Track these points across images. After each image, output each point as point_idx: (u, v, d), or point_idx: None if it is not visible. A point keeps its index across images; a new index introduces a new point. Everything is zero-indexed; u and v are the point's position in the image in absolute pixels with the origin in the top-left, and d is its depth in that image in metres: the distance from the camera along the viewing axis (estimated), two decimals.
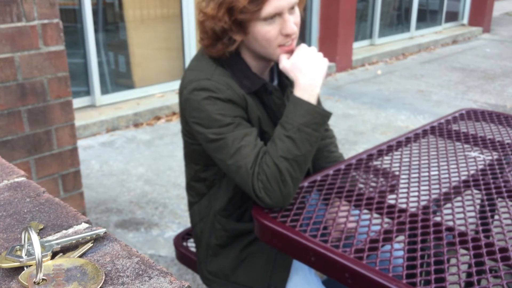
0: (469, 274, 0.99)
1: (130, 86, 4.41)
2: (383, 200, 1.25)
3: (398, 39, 6.94)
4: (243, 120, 1.26)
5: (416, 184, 1.34)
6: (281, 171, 1.20)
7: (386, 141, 1.64)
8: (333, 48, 5.64)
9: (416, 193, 1.29)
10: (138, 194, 2.92)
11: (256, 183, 1.20)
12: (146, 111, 4.12)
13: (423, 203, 1.25)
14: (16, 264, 0.55)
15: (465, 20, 8.19)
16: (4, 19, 1.78)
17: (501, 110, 4.48)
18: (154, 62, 4.56)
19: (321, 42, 5.77)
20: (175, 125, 4.02)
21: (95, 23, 4.03)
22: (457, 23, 8.16)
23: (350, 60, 5.86)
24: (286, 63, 1.26)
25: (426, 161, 1.48)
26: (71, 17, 3.99)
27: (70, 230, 0.62)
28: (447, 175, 1.39)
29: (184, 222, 2.61)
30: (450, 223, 1.15)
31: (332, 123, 3.86)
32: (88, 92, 4.14)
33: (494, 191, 1.30)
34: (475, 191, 1.31)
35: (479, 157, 1.52)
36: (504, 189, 1.30)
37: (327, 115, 1.25)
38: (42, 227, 0.63)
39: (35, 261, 0.51)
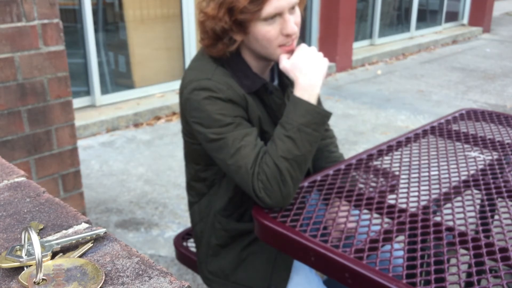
0: (469, 274, 0.99)
1: (130, 86, 4.41)
2: (383, 200, 1.25)
3: (398, 39, 6.94)
4: (243, 120, 1.26)
5: (416, 184, 1.34)
6: (281, 171, 1.20)
7: (386, 141, 1.64)
8: (333, 48, 5.64)
9: (416, 193, 1.29)
10: (138, 194, 2.92)
11: (256, 183, 1.20)
12: (146, 111, 4.12)
13: (423, 203, 1.25)
14: (16, 264, 0.55)
15: (465, 20, 8.19)
16: (4, 19, 1.78)
17: (501, 110, 4.48)
18: (154, 62, 4.56)
19: (321, 42, 5.77)
20: (175, 125, 4.02)
21: (95, 23, 4.03)
22: (457, 23, 8.16)
23: (350, 60, 5.86)
24: (286, 63, 1.26)
25: (426, 161, 1.48)
26: (71, 17, 3.99)
27: (70, 230, 0.62)
28: (447, 175, 1.39)
29: (184, 222, 2.61)
30: (450, 223, 1.15)
31: (332, 123, 3.86)
32: (88, 92, 4.14)
33: (494, 191, 1.30)
34: (475, 191, 1.31)
35: (479, 157, 1.52)
36: (504, 189, 1.30)
37: (327, 115, 1.25)
38: (42, 227, 0.63)
39: (35, 261, 0.51)
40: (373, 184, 1.38)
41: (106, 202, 2.82)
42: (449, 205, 1.24)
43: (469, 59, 6.39)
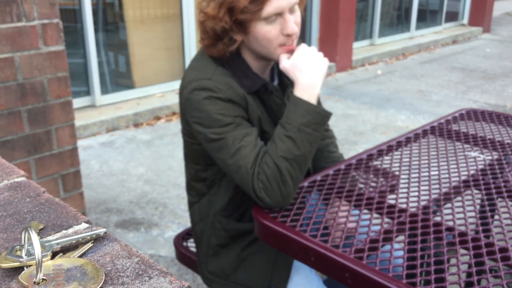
0: (469, 274, 0.99)
1: (130, 86, 4.41)
2: (383, 200, 1.25)
3: (398, 39, 6.94)
4: (243, 120, 1.26)
5: (416, 184, 1.34)
6: (281, 171, 1.20)
7: (386, 141, 1.64)
8: (333, 48, 5.64)
9: (416, 193, 1.29)
10: (138, 194, 2.92)
11: (256, 183, 1.20)
12: (146, 111, 4.12)
13: (423, 203, 1.25)
14: (16, 264, 0.55)
15: (465, 20, 8.19)
16: (4, 19, 1.78)
17: (501, 110, 4.48)
18: (154, 62, 4.56)
19: (321, 42, 5.77)
20: (175, 125, 4.02)
21: (95, 23, 4.03)
22: (457, 23, 8.16)
23: (350, 60, 5.86)
24: (286, 63, 1.26)
25: (426, 161, 1.48)
26: (71, 17, 3.99)
27: (70, 230, 0.62)
28: (447, 175, 1.39)
29: (184, 222, 2.61)
30: (450, 223, 1.15)
31: (332, 123, 3.86)
32: (88, 92, 4.14)
33: (494, 191, 1.30)
34: (475, 191, 1.31)
35: (479, 157, 1.52)
36: (504, 189, 1.30)
37: (327, 115, 1.25)
38: (42, 227, 0.63)
39: (35, 261, 0.51)
40: (373, 184, 1.38)
41: (106, 202, 2.82)
42: (449, 205, 1.24)
43: (469, 59, 6.39)
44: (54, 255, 0.57)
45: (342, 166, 1.46)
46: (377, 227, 1.16)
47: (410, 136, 1.68)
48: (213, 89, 1.23)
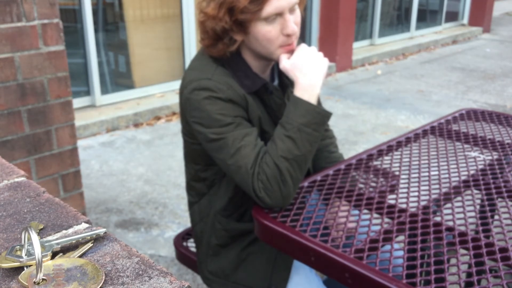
0: (469, 274, 0.99)
1: (130, 86, 4.41)
2: (383, 200, 1.25)
3: (398, 39, 6.94)
4: (243, 120, 1.26)
5: (416, 184, 1.34)
6: (281, 171, 1.20)
7: (386, 141, 1.64)
8: (333, 48, 5.64)
9: (416, 193, 1.29)
10: (138, 194, 2.92)
11: (256, 183, 1.20)
12: (146, 111, 4.12)
13: (423, 203, 1.25)
14: (16, 264, 0.55)
15: (465, 20, 8.19)
16: (4, 19, 1.78)
17: (501, 110, 4.48)
18: (154, 62, 4.56)
19: (321, 42, 5.77)
20: (175, 125, 4.02)
21: (95, 23, 4.03)
22: (457, 23, 8.16)
23: (350, 60, 5.86)
24: (286, 63, 1.26)
25: (426, 161, 1.48)
26: (71, 17, 3.99)
27: (70, 230, 0.62)
28: (447, 175, 1.39)
29: (184, 222, 2.61)
30: (450, 223, 1.15)
31: (332, 123, 3.86)
32: (88, 92, 4.14)
33: (494, 191, 1.30)
34: (475, 191, 1.31)
35: (479, 157, 1.52)
36: (504, 189, 1.30)
37: (327, 115, 1.25)
38: (42, 227, 0.63)
39: (35, 261, 0.51)
40: (373, 184, 1.38)
41: (106, 202, 2.82)
42: (449, 205, 1.24)
43: (469, 59, 6.39)
44: (54, 255, 0.57)
45: (342, 166, 1.46)
46: (377, 227, 1.16)
47: (410, 136, 1.68)
48: (213, 89, 1.23)
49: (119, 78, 4.39)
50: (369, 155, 1.54)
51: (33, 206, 0.68)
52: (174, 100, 4.33)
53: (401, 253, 1.26)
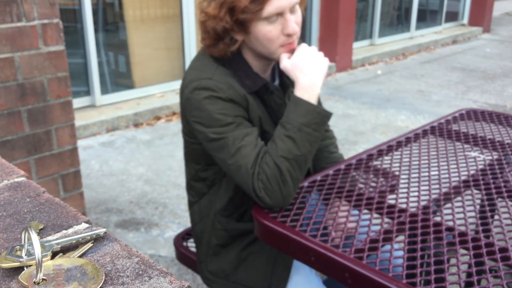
0: (469, 274, 0.99)
1: (130, 86, 4.41)
2: (383, 200, 1.25)
3: (398, 39, 6.94)
4: (244, 120, 1.26)
5: (416, 184, 1.34)
6: (282, 171, 1.20)
7: (386, 141, 1.64)
8: (333, 48, 5.64)
9: (416, 193, 1.29)
10: (138, 194, 2.92)
11: (256, 183, 1.20)
12: (146, 111, 4.12)
13: (423, 203, 1.25)
14: (16, 264, 0.54)
15: (465, 20, 8.19)
16: (4, 19, 1.78)
17: (501, 110, 4.48)
18: (154, 62, 4.56)
19: (321, 42, 5.77)
20: (175, 125, 4.02)
21: (95, 23, 4.03)
22: (457, 23, 8.16)
23: (350, 60, 5.86)
24: (286, 63, 1.26)
25: (426, 161, 1.48)
26: (71, 17, 3.99)
27: (70, 230, 0.62)
28: (447, 175, 1.39)
29: (184, 222, 2.61)
30: (450, 223, 1.15)
31: (332, 123, 3.86)
32: (88, 92, 4.14)
33: (494, 191, 1.30)
34: (475, 191, 1.31)
35: (479, 157, 1.52)
36: (504, 189, 1.30)
37: (327, 115, 1.25)
38: (42, 227, 0.63)
39: (35, 261, 0.51)
40: (373, 184, 1.38)
41: (106, 202, 2.82)
42: (449, 205, 1.24)
43: (469, 59, 6.39)
44: (54, 255, 0.57)
45: (342, 166, 1.46)
46: (377, 227, 1.16)
47: (410, 136, 1.68)
48: (214, 88, 1.23)
49: (119, 78, 4.39)
50: (369, 155, 1.54)
51: (33, 206, 0.68)
52: (174, 100, 4.33)
53: (401, 253, 1.26)
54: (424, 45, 6.93)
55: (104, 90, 4.22)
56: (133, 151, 3.54)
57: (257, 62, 1.31)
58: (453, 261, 1.04)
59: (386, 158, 1.52)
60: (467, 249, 1.06)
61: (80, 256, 0.57)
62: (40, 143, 1.99)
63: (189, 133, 1.37)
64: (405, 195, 1.29)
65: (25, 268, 0.54)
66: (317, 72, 1.26)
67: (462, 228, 1.13)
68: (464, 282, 0.95)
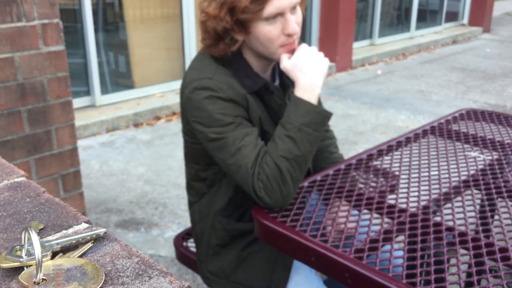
0: (469, 274, 0.99)
1: (130, 86, 4.41)
2: (383, 200, 1.25)
3: (398, 39, 6.94)
4: (244, 120, 1.26)
5: (416, 184, 1.34)
6: (282, 171, 1.20)
7: (386, 141, 1.64)
8: (333, 48, 5.64)
9: (416, 193, 1.29)
10: (138, 194, 2.92)
11: (256, 182, 1.20)
12: (146, 111, 4.12)
13: (423, 203, 1.25)
14: (16, 264, 0.54)
15: (465, 20, 8.19)
16: (4, 19, 1.78)
17: (501, 110, 4.48)
18: (154, 62, 4.56)
19: (321, 42, 5.77)
20: (175, 125, 4.02)
21: (95, 23, 4.03)
22: (457, 23, 8.16)
23: (350, 60, 5.86)
24: (286, 63, 1.26)
25: (426, 161, 1.48)
26: (71, 17, 3.99)
27: (70, 230, 0.62)
28: (447, 175, 1.39)
29: (184, 222, 2.61)
30: (450, 223, 1.15)
31: (332, 123, 3.86)
32: (88, 92, 4.14)
33: (494, 191, 1.30)
34: (475, 191, 1.31)
35: (479, 157, 1.52)
36: (504, 189, 1.30)
37: (327, 115, 1.25)
38: (42, 227, 0.63)
39: (35, 261, 0.51)
40: (373, 184, 1.38)
41: (106, 202, 2.82)
42: (449, 205, 1.24)
43: (469, 59, 6.39)
44: (54, 255, 0.57)
45: (342, 166, 1.46)
46: (377, 227, 1.16)
47: (410, 136, 1.68)
48: (214, 88, 1.23)
49: (119, 78, 4.39)
50: (369, 155, 1.54)
51: (33, 206, 0.68)
52: (174, 100, 4.33)
53: (401, 253, 1.26)
54: (424, 45, 6.93)
55: (104, 90, 4.22)
56: (133, 151, 3.54)
57: (257, 62, 1.31)
58: (453, 261, 1.04)
59: (386, 158, 1.52)
60: (467, 249, 1.06)
61: (80, 256, 0.57)
62: (40, 143, 1.99)
63: (189, 133, 1.37)
64: (405, 195, 1.29)
65: (25, 268, 0.54)
66: (317, 72, 1.26)
67: (462, 228, 1.13)
68: (464, 282, 0.95)
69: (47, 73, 1.94)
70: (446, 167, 1.44)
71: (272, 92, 1.33)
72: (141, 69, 4.47)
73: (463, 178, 1.38)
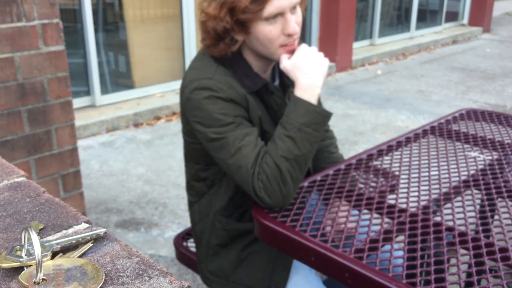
0: (469, 274, 0.99)
1: (130, 86, 4.41)
2: (383, 200, 1.25)
3: (398, 39, 6.94)
4: (244, 120, 1.26)
5: (416, 184, 1.34)
6: (282, 171, 1.20)
7: (386, 141, 1.64)
8: (333, 48, 5.64)
9: (416, 193, 1.29)
10: (138, 194, 2.92)
11: (256, 182, 1.20)
12: (146, 111, 4.12)
13: (423, 203, 1.25)
14: (16, 264, 0.54)
15: (465, 20, 8.19)
16: (4, 19, 1.78)
17: (501, 110, 4.48)
18: (154, 62, 4.56)
19: (321, 42, 5.77)
20: (175, 125, 4.02)
21: (95, 23, 4.03)
22: (457, 23, 8.16)
23: (350, 60, 5.86)
24: (286, 63, 1.26)
25: (426, 161, 1.48)
26: (71, 17, 3.99)
27: (70, 230, 0.62)
28: (447, 175, 1.39)
29: (184, 222, 2.61)
30: (450, 223, 1.15)
31: (332, 123, 3.86)
32: (88, 92, 4.14)
33: (494, 191, 1.30)
34: (475, 191, 1.31)
35: (479, 157, 1.52)
36: (504, 189, 1.30)
37: (327, 115, 1.25)
38: (42, 227, 0.63)
39: (35, 261, 0.51)
40: (373, 184, 1.38)
41: (106, 202, 2.82)
42: (449, 205, 1.24)
43: (469, 59, 6.39)
44: (54, 255, 0.57)
45: (342, 166, 1.46)
46: (377, 227, 1.16)
47: (410, 136, 1.68)
48: (214, 88, 1.23)
49: (119, 78, 4.39)
50: (369, 155, 1.54)
51: (33, 206, 0.68)
52: (174, 100, 4.33)
53: (401, 253, 1.26)
54: (424, 45, 6.93)
55: (104, 90, 4.22)
56: (133, 151, 3.54)
57: (257, 62, 1.32)
58: (453, 261, 1.04)
59: (386, 158, 1.52)
60: (467, 249, 1.06)
61: (80, 256, 0.57)
62: (40, 143, 1.99)
63: (189, 133, 1.37)
64: (405, 195, 1.29)
65: (25, 268, 0.54)
66: (317, 72, 1.26)
67: (462, 228, 1.13)
68: (464, 282, 0.95)
69: (47, 73, 1.94)
70: (446, 167, 1.44)
71: (272, 92, 1.33)
72: (141, 69, 4.47)
73: (463, 178, 1.38)
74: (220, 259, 1.43)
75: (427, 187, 1.32)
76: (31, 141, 1.97)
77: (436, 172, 1.40)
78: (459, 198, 1.27)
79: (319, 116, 1.23)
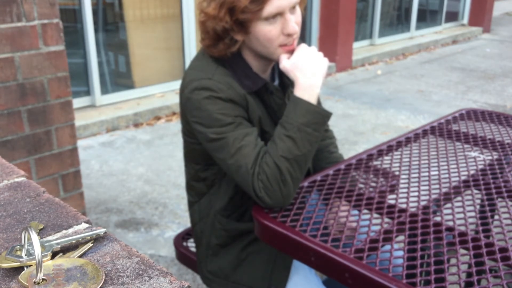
0: (469, 274, 0.99)
1: (130, 86, 4.41)
2: (383, 200, 1.25)
3: (398, 39, 6.94)
4: (244, 120, 1.26)
5: (416, 184, 1.34)
6: (282, 171, 1.20)
7: (386, 141, 1.64)
8: (333, 48, 5.64)
9: (416, 193, 1.29)
10: (138, 194, 2.92)
11: (256, 182, 1.20)
12: (146, 111, 4.12)
13: (423, 203, 1.25)
14: (16, 264, 0.55)
15: (465, 20, 8.19)
16: (4, 19, 1.78)
17: (501, 110, 4.48)
18: (154, 62, 4.56)
19: (321, 42, 5.77)
20: (175, 125, 4.02)
21: (95, 23, 4.03)
22: (457, 23, 8.16)
23: (350, 60, 5.86)
24: (286, 63, 1.26)
25: (426, 161, 1.48)
26: (71, 17, 3.99)
27: (70, 230, 0.62)
28: (447, 175, 1.39)
29: (184, 222, 2.61)
30: (450, 223, 1.15)
31: (332, 123, 3.86)
32: (88, 92, 4.14)
33: (494, 191, 1.30)
34: (475, 191, 1.31)
35: (479, 157, 1.52)
36: (504, 189, 1.30)
37: (327, 115, 1.25)
38: (42, 227, 0.63)
39: (35, 261, 0.51)
40: (373, 184, 1.38)
41: (106, 202, 2.82)
42: (449, 205, 1.24)
43: (469, 59, 6.39)
44: (54, 255, 0.57)
45: (342, 166, 1.46)
46: (377, 227, 1.16)
47: (410, 136, 1.68)
48: (214, 88, 1.23)
49: (119, 78, 4.39)
50: (369, 155, 1.54)
51: (33, 206, 0.68)
52: (174, 100, 4.33)
53: (401, 253, 1.26)
54: (424, 45, 6.93)
55: (104, 90, 4.22)
56: (133, 151, 3.54)
57: (257, 62, 1.32)
58: (453, 261, 1.04)
59: (386, 158, 1.52)
60: (467, 249, 1.06)
61: (80, 256, 0.57)
62: (40, 143, 1.99)
63: (189, 133, 1.37)
64: (405, 195, 1.29)
65: (25, 268, 0.54)
66: (316, 72, 1.26)
67: (462, 228, 1.13)
68: (464, 282, 0.96)
69: (47, 73, 1.94)
70: (446, 167, 1.44)
71: (271, 92, 1.33)
72: (141, 69, 4.47)
73: (463, 178, 1.38)
74: (220, 259, 1.43)
75: (427, 187, 1.32)
76: (31, 141, 1.97)
77: (436, 172, 1.40)
78: (459, 198, 1.27)
79: (319, 116, 1.23)
